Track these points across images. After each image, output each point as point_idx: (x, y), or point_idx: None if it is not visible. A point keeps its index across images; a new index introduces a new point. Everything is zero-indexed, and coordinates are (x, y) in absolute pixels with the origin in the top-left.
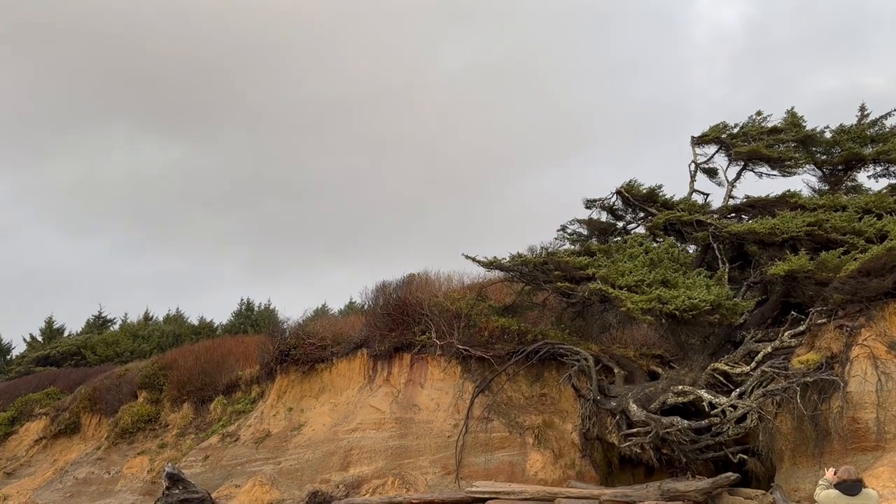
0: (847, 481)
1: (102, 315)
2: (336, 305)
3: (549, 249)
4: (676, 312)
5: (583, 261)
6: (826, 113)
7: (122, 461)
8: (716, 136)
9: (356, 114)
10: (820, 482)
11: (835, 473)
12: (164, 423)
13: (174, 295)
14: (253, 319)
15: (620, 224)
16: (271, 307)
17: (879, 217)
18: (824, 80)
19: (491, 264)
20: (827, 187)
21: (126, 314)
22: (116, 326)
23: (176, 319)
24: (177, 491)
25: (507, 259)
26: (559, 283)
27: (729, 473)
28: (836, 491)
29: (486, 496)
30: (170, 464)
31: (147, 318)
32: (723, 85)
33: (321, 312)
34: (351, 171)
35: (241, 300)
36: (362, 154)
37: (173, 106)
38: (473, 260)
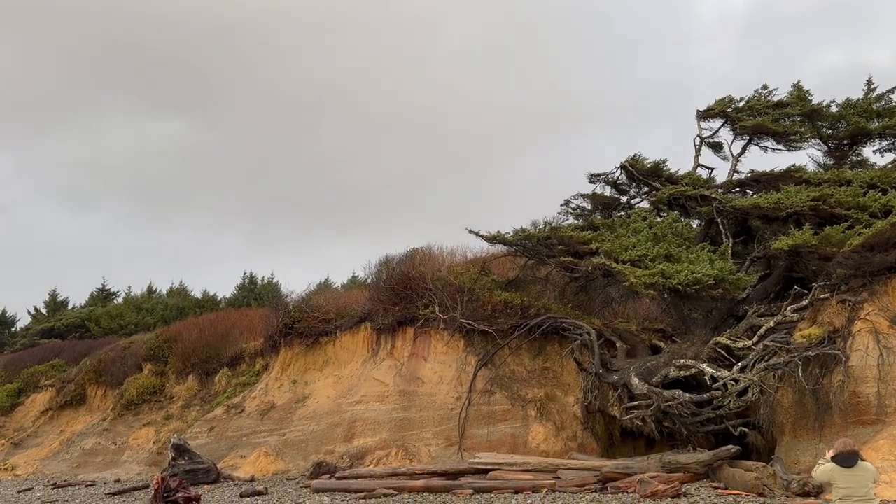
0: (843, 453)
1: (106, 288)
2: (339, 279)
3: (553, 224)
4: (679, 287)
5: (586, 235)
6: (829, 90)
7: (128, 432)
8: (721, 110)
9: (358, 91)
10: (819, 461)
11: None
12: (170, 395)
13: (177, 268)
14: (256, 293)
15: (624, 199)
16: (274, 281)
17: (884, 192)
18: (828, 57)
19: (494, 238)
20: (832, 162)
21: (130, 287)
22: (120, 299)
23: (179, 292)
24: (183, 461)
25: (511, 233)
26: (562, 258)
27: (730, 446)
28: (832, 464)
29: (489, 467)
30: (175, 435)
31: (151, 291)
32: (726, 62)
33: (324, 286)
34: (352, 147)
35: (245, 274)
36: (364, 131)
37: (175, 81)
38: (477, 234)
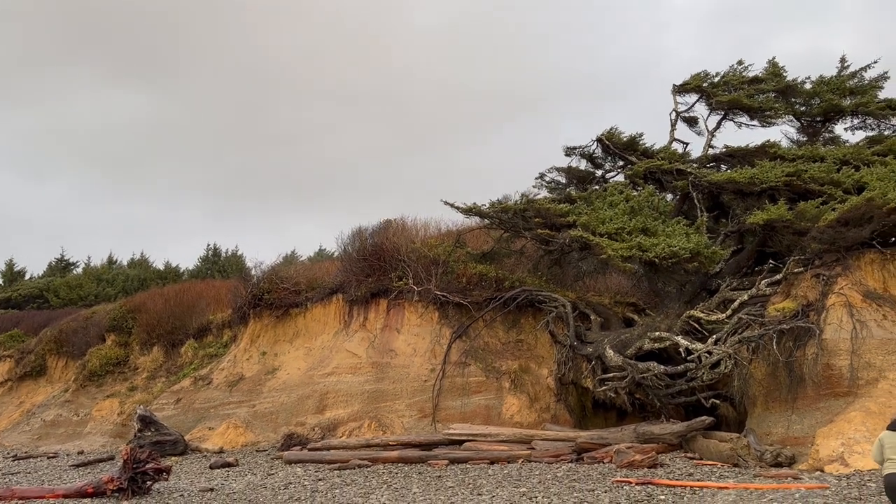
0: (895, 420)
1: (65, 258)
2: (305, 253)
3: (529, 197)
4: (656, 260)
5: (563, 208)
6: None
7: (91, 404)
8: (697, 85)
9: (326, 65)
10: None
11: None
12: (134, 367)
13: (138, 241)
14: (220, 265)
15: (599, 172)
16: (238, 253)
17: (857, 168)
18: (787, 45)
19: (470, 210)
20: (805, 138)
21: (89, 258)
22: (79, 270)
23: (141, 264)
24: (149, 433)
25: (487, 205)
26: (540, 230)
27: (704, 417)
28: (885, 431)
29: (464, 438)
30: (141, 406)
31: (111, 261)
32: (690, 48)
33: (291, 259)
34: (318, 122)
35: (208, 246)
36: (331, 106)
37: (137, 53)
38: (452, 206)
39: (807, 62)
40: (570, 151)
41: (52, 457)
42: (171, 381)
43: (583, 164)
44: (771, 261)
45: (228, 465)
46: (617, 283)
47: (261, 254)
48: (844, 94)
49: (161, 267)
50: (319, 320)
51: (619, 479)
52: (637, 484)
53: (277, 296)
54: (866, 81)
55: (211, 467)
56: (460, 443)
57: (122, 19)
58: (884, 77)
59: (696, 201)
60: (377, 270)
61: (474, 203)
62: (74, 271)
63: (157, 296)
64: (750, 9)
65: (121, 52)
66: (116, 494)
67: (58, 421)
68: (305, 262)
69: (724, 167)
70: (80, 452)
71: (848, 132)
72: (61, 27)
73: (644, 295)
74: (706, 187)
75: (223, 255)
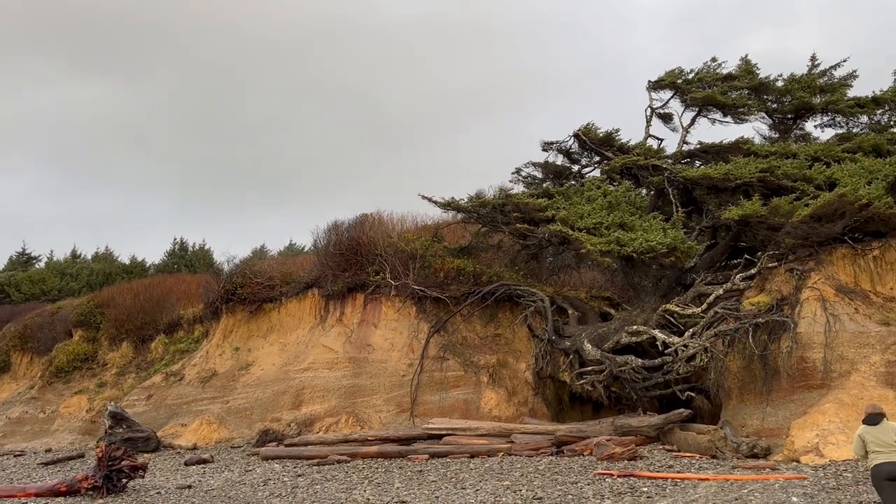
0: (870, 415)
1: (26, 252)
2: (274, 247)
3: (507, 191)
4: (634, 255)
5: (542, 202)
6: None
7: (59, 400)
8: (672, 82)
9: (293, 59)
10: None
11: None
12: (103, 362)
13: (101, 235)
14: (187, 259)
15: (576, 168)
16: (206, 247)
17: (828, 165)
18: (752, 45)
19: (448, 205)
20: (777, 135)
21: (52, 252)
22: (42, 264)
23: (106, 258)
24: (120, 430)
25: (465, 200)
26: (518, 225)
27: (681, 410)
28: (862, 426)
29: (443, 433)
30: (112, 402)
31: (75, 256)
32: (660, 45)
33: (261, 253)
34: (286, 116)
35: (175, 240)
36: (299, 100)
37: (99, 45)
38: (430, 200)
39: (770, 61)
40: (547, 146)
41: (19, 455)
42: (142, 377)
43: (559, 160)
44: (746, 255)
45: (204, 461)
46: (591, 278)
47: (230, 248)
48: (815, 91)
49: (126, 261)
50: (294, 315)
51: (600, 471)
52: (619, 476)
53: (250, 290)
54: (836, 80)
55: (186, 464)
56: (440, 437)
57: (86, 12)
58: (853, 76)
59: (671, 197)
60: (353, 265)
61: (452, 197)
62: (37, 265)
63: (125, 290)
64: (716, 7)
65: (83, 45)
66: (91, 493)
67: (23, 418)
68: (276, 256)
69: (698, 163)
70: (48, 450)
71: (818, 129)
72: (21, 19)
73: (619, 289)
74: (681, 183)
75: (190, 249)
